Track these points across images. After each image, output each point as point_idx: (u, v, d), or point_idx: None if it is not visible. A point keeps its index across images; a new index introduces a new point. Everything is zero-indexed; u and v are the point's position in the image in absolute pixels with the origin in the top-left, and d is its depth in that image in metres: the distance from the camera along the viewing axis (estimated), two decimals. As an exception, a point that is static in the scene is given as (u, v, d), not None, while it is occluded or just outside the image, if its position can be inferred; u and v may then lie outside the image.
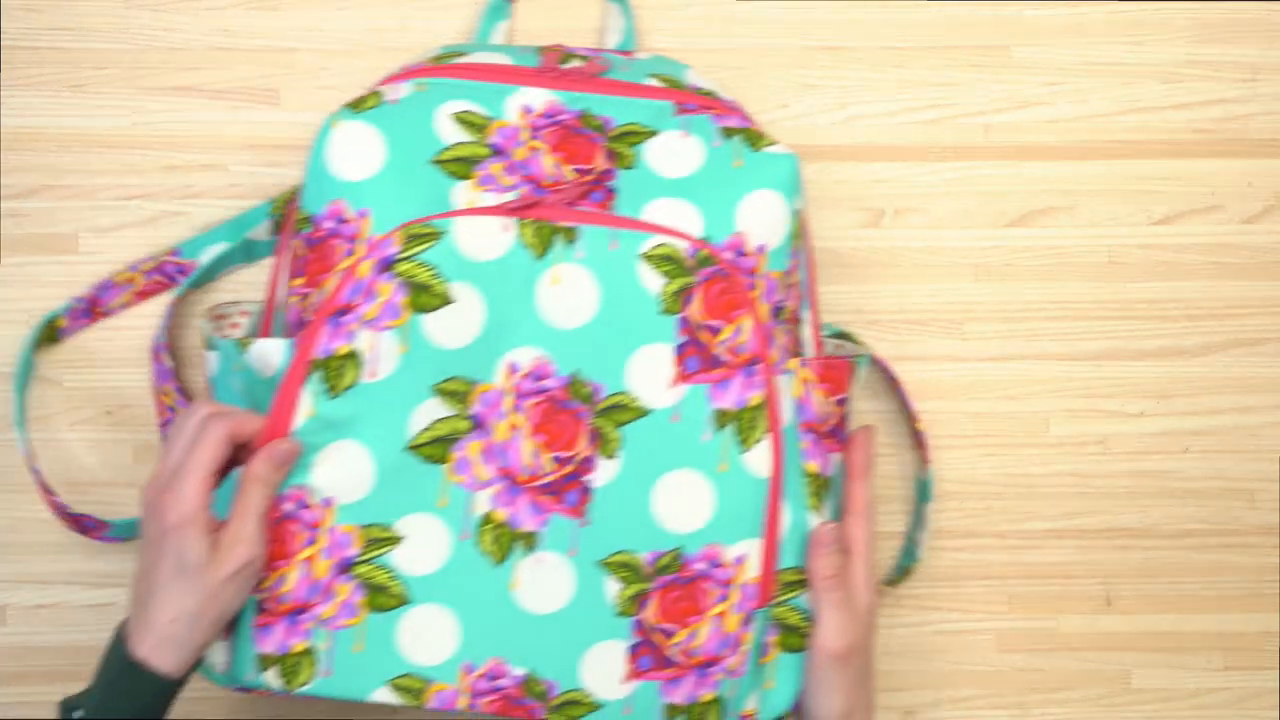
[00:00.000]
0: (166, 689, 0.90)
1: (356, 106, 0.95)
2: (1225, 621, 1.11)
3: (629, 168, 0.95)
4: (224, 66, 1.07)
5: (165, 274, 1.06)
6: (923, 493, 1.08)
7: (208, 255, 1.05)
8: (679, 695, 0.94)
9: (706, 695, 0.94)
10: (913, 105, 1.09)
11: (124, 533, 1.05)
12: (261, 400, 0.94)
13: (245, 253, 1.06)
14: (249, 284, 1.07)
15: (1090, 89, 1.10)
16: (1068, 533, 1.10)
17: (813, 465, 0.96)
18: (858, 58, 1.09)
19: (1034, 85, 1.10)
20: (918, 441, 1.08)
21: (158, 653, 0.90)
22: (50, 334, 1.05)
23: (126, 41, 1.07)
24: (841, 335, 1.06)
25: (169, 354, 1.05)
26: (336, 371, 0.92)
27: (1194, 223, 1.10)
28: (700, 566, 0.94)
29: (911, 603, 1.09)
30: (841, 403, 0.98)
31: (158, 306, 1.07)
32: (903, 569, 1.08)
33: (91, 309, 1.06)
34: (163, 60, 1.07)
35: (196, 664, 0.92)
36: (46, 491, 1.04)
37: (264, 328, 0.99)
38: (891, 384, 1.08)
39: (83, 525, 1.05)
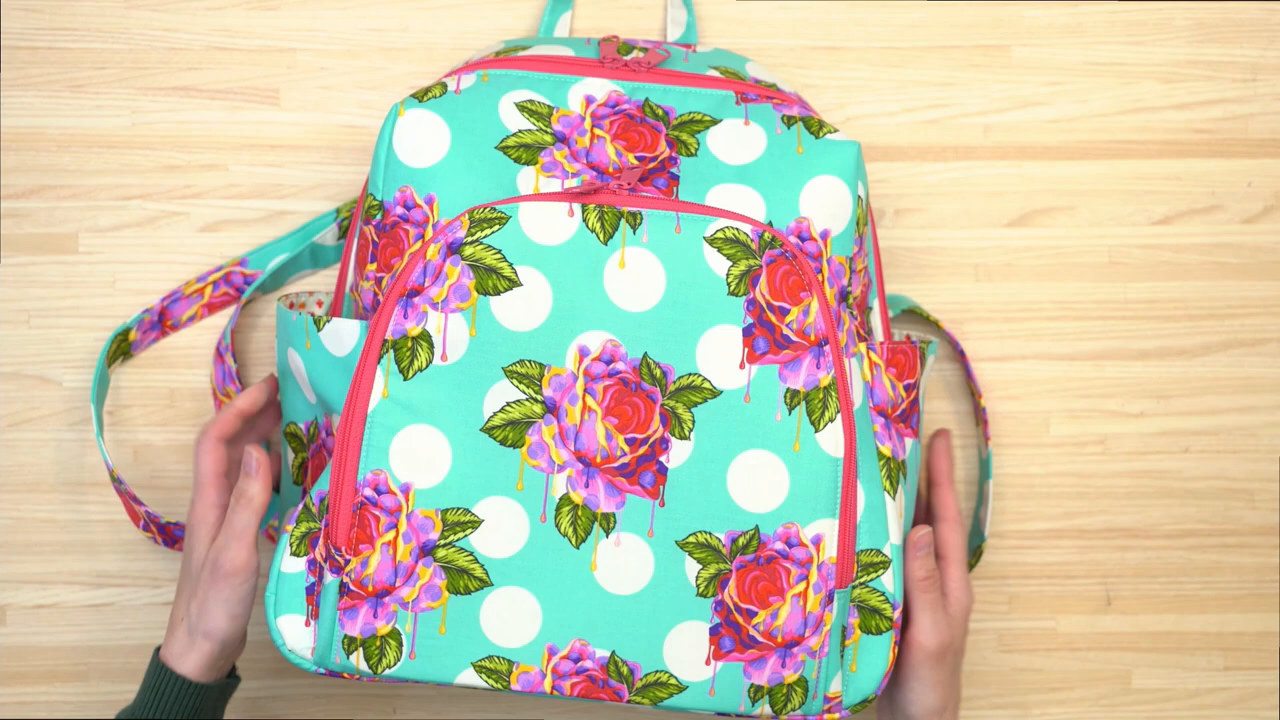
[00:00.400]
0: (190, 691, 0.94)
1: (421, 96, 0.96)
2: (1225, 621, 1.11)
3: (691, 155, 0.96)
4: (224, 66, 1.07)
5: (233, 285, 1.07)
6: (984, 470, 1.08)
7: (275, 262, 1.06)
8: (763, 676, 0.94)
9: (791, 676, 0.94)
10: (913, 105, 1.09)
11: None
12: (332, 380, 0.95)
13: (312, 258, 1.07)
14: (315, 285, 1.08)
15: (1090, 89, 1.10)
16: (1068, 533, 1.10)
17: (885, 448, 0.97)
18: (858, 58, 1.09)
19: (1034, 85, 1.10)
20: (980, 419, 1.08)
21: (175, 653, 0.95)
22: (123, 347, 1.06)
23: (126, 41, 1.07)
24: (911, 310, 1.08)
25: (233, 355, 1.05)
26: (409, 352, 0.93)
27: (1194, 223, 1.10)
28: (778, 546, 0.94)
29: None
30: (910, 388, 0.99)
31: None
32: (974, 550, 1.09)
33: (161, 321, 1.07)
34: (163, 60, 1.07)
35: (230, 675, 0.97)
36: (134, 502, 1.04)
37: (334, 312, 1.01)
38: (960, 357, 1.08)
39: (172, 536, 1.06)
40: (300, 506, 0.95)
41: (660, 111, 0.97)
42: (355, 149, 1.08)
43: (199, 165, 1.07)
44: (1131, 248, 1.10)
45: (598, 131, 0.96)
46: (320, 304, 1.06)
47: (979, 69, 1.09)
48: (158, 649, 0.96)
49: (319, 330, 0.96)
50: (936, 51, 1.09)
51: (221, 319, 1.07)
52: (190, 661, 0.94)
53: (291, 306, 1.04)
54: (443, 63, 1.08)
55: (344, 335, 0.95)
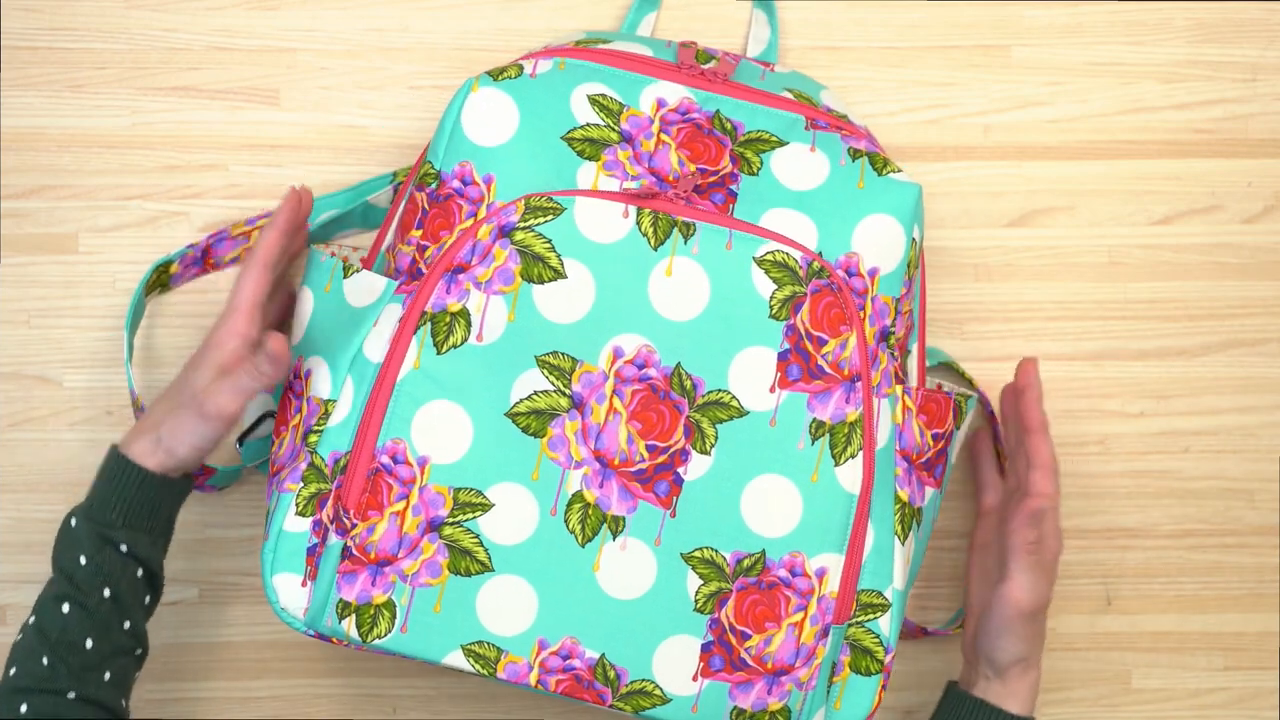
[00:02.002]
0: (150, 481, 0.94)
1: (496, 75, 0.96)
2: (1225, 621, 1.11)
3: (753, 174, 0.97)
4: (224, 66, 1.08)
5: None
6: None
7: (325, 216, 1.05)
8: (747, 700, 0.94)
9: (775, 704, 0.94)
10: (913, 105, 1.09)
11: (224, 481, 1.06)
12: (335, 328, 0.96)
13: (363, 217, 1.06)
14: (360, 243, 1.08)
15: (1090, 89, 1.10)
16: (1068, 533, 1.10)
17: (903, 493, 0.97)
18: (858, 58, 1.09)
19: (1034, 85, 1.10)
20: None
21: (136, 452, 0.95)
22: (162, 279, 1.05)
23: (126, 41, 1.07)
24: (945, 365, 1.07)
25: None
26: (446, 328, 0.93)
27: (1194, 223, 1.10)
28: (781, 574, 0.94)
29: (912, 603, 1.09)
30: (938, 438, 0.99)
31: (197, 297, 1.07)
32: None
33: (204, 259, 1.06)
34: (163, 60, 1.07)
35: (187, 481, 0.96)
36: None
37: (366, 267, 1.00)
38: (989, 419, 1.07)
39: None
40: (305, 465, 0.95)
41: (729, 125, 0.97)
42: (355, 149, 1.08)
43: (199, 165, 1.07)
44: (1131, 248, 1.10)
45: (664, 138, 0.97)
46: (356, 250, 1.06)
47: (979, 69, 1.09)
48: (114, 447, 0.96)
49: (345, 276, 0.97)
50: (936, 51, 1.09)
51: (193, 296, 1.07)
52: (151, 463, 0.95)
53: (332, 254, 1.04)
54: (443, 63, 1.08)
55: (370, 288, 0.96)
